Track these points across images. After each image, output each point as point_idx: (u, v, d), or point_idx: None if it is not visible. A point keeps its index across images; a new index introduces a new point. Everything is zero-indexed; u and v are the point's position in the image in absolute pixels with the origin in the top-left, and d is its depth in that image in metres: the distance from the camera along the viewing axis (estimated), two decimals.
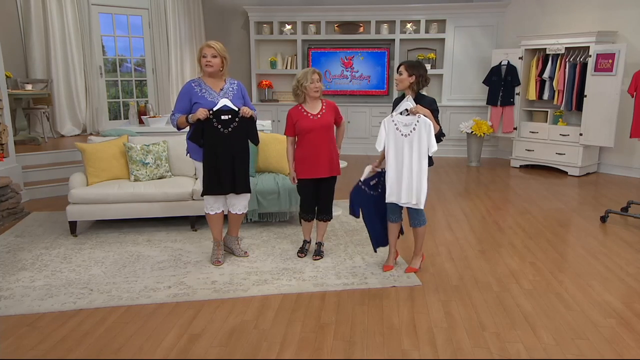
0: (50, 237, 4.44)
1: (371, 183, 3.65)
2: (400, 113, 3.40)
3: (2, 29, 6.81)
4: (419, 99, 3.46)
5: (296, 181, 3.80)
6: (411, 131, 3.35)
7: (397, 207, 3.58)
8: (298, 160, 3.77)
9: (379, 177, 3.64)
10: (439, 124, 3.43)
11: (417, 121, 3.33)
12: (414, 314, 3.05)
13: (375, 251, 3.87)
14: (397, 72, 3.51)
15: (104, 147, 4.68)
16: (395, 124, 3.40)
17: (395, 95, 8.67)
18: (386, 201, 3.51)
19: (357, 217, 3.72)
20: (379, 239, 3.77)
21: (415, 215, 3.57)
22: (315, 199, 3.86)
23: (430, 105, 3.43)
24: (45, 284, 3.48)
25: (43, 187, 5.82)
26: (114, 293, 3.34)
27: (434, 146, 3.34)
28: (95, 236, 4.47)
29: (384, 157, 3.55)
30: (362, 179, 3.66)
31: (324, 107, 3.75)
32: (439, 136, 3.44)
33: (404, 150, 3.39)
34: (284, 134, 3.83)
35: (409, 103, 3.38)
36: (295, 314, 3.05)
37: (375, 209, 3.68)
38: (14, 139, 5.69)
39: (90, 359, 2.61)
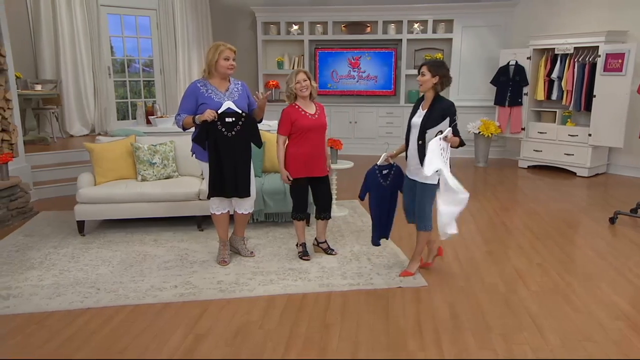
0: (58, 237, 4.48)
1: (384, 172, 3.60)
2: (435, 135, 3.26)
3: (12, 30, 6.85)
4: (438, 101, 3.34)
5: (290, 180, 3.75)
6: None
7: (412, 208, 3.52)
8: (293, 160, 3.74)
9: (391, 168, 3.59)
10: (458, 135, 3.30)
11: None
12: (420, 314, 3.04)
13: (375, 244, 3.71)
14: (420, 73, 3.35)
15: (112, 147, 4.71)
16: (442, 148, 3.24)
17: (404, 96, 8.69)
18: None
19: (362, 199, 3.65)
20: (381, 230, 3.68)
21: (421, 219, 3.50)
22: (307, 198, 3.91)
23: (449, 109, 3.31)
24: (53, 283, 3.51)
25: (52, 186, 5.86)
26: (120, 292, 3.36)
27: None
28: (102, 236, 4.50)
29: (403, 151, 3.55)
30: (377, 163, 3.60)
31: (318, 108, 3.81)
32: (460, 145, 3.34)
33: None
34: (278, 133, 3.79)
35: (449, 129, 3.25)
36: (301, 314, 3.05)
37: (384, 198, 3.60)
38: (23, 139, 5.75)
39: (96, 359, 2.63)
